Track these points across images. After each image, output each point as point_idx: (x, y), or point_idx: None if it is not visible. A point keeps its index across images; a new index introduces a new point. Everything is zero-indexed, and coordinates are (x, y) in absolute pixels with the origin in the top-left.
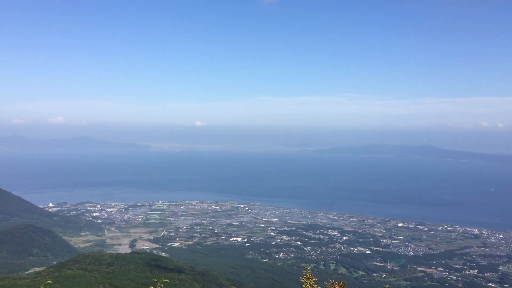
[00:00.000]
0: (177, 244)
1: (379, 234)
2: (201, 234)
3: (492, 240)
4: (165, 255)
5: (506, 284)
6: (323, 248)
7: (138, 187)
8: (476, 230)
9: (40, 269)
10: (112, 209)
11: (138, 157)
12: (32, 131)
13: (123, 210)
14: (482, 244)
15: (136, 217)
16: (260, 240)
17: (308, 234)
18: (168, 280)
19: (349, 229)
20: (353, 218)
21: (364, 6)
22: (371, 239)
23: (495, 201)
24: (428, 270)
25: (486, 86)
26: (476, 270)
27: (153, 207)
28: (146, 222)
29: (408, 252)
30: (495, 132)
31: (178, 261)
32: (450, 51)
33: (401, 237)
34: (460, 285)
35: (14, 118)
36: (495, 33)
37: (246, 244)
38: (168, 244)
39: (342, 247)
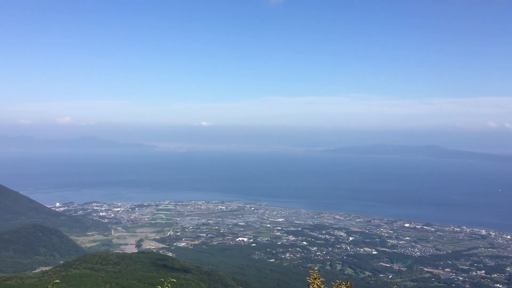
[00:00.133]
0: (183, 244)
1: (386, 234)
2: (207, 234)
3: (500, 241)
4: (171, 255)
5: None
6: (329, 249)
7: (145, 187)
8: (484, 230)
9: (47, 268)
10: (118, 209)
11: (144, 157)
12: (40, 131)
13: (130, 210)
14: (489, 245)
15: (143, 217)
16: (266, 240)
17: (314, 234)
18: (175, 280)
19: (356, 230)
20: (359, 218)
21: (370, 6)
22: (377, 239)
23: (502, 202)
24: (435, 271)
25: (493, 86)
26: (483, 271)
27: (160, 207)
28: (153, 222)
29: (415, 253)
30: (502, 133)
31: (184, 261)
32: (456, 51)
33: (407, 238)
34: (467, 286)
35: (22, 118)
36: (502, 32)
37: (252, 244)
38: (174, 244)
39: (349, 248)
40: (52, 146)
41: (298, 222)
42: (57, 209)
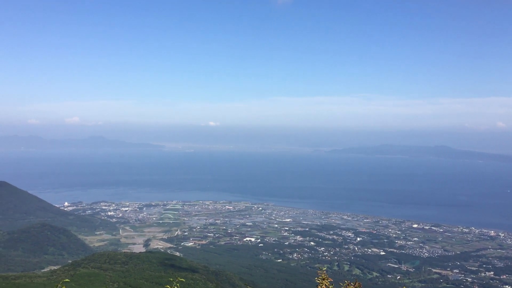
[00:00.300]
0: (191, 243)
1: (394, 235)
2: (214, 234)
3: (509, 242)
4: (179, 255)
5: None
6: (337, 249)
7: (152, 187)
8: (492, 231)
9: (55, 267)
10: (126, 209)
11: (152, 157)
12: (48, 131)
13: (138, 209)
14: (498, 246)
15: (150, 216)
16: (273, 241)
17: (322, 234)
18: (184, 280)
19: (363, 230)
20: (367, 219)
21: (378, 6)
22: (385, 240)
23: (511, 203)
24: (443, 272)
25: (502, 86)
26: (492, 272)
27: (167, 207)
28: (160, 221)
29: (423, 254)
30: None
31: (192, 260)
32: (465, 51)
33: (416, 239)
34: (476, 287)
35: (31, 118)
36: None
37: (260, 244)
38: (182, 243)
39: (356, 248)
40: (60, 146)
41: (306, 222)
42: (65, 209)
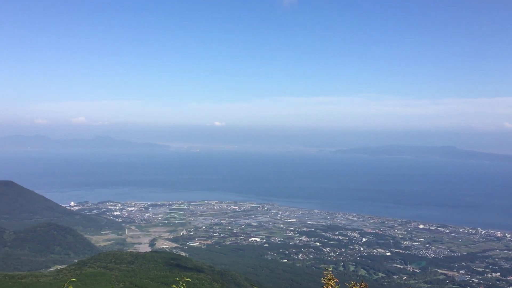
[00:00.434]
0: (196, 243)
1: (400, 236)
2: (220, 234)
3: None
4: (184, 255)
5: None
6: (343, 250)
7: (158, 187)
8: (499, 232)
9: (61, 267)
10: (132, 208)
11: (157, 157)
12: (55, 131)
13: (143, 209)
14: (505, 247)
15: (156, 216)
16: (279, 241)
17: (327, 235)
18: (190, 279)
19: (369, 231)
20: (373, 219)
21: (384, 6)
22: (391, 240)
23: None
24: (450, 273)
25: (509, 86)
26: (498, 273)
27: (173, 207)
28: (166, 221)
29: (429, 255)
30: None
31: (197, 260)
32: (472, 51)
33: (422, 239)
34: None
35: (37, 118)
36: None
37: (265, 245)
38: (188, 243)
39: (362, 249)
40: (67, 146)
41: (311, 222)
42: (71, 208)
